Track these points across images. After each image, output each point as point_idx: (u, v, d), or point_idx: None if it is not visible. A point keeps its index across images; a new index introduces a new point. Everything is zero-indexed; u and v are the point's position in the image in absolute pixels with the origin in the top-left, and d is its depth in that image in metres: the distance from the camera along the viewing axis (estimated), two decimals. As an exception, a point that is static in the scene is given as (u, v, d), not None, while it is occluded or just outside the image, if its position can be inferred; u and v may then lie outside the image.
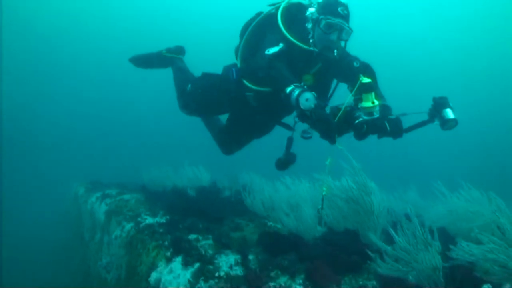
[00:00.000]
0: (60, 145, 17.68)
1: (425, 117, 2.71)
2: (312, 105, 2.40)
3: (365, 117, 2.40)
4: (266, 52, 2.87)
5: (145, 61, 4.66)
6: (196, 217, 4.38)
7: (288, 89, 2.55)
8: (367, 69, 3.04)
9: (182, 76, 4.22)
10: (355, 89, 2.45)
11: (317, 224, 3.76)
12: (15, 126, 17.96)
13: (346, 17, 2.93)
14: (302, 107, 2.40)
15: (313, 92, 2.45)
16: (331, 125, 2.40)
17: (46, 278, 8.00)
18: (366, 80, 2.43)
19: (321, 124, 2.41)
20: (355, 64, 2.98)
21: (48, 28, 26.38)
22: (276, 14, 3.13)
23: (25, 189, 12.47)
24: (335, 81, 3.43)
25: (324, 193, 2.87)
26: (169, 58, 4.47)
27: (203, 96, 3.78)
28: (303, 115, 2.48)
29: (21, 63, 23.90)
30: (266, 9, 3.44)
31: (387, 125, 2.50)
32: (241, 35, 3.53)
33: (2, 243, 9.25)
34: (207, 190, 6.26)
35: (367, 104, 2.41)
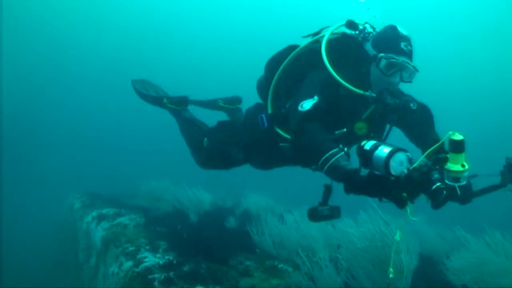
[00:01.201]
0: (59, 151, 17.12)
1: (495, 178, 2.13)
2: (405, 170, 1.76)
3: (449, 182, 1.83)
4: (300, 108, 2.21)
5: (143, 95, 3.95)
6: (200, 256, 3.95)
7: (381, 154, 1.80)
8: (424, 112, 2.43)
9: (192, 128, 3.52)
10: (436, 146, 1.89)
11: (335, 277, 3.34)
12: (15, 129, 17.40)
13: (410, 55, 2.30)
14: (393, 172, 1.75)
15: (407, 152, 1.81)
16: (416, 191, 1.76)
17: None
18: (458, 136, 1.82)
19: (413, 189, 1.75)
20: (412, 105, 2.28)
21: (51, 31, 25.69)
22: (319, 49, 2.40)
23: (22, 195, 11.95)
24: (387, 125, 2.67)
25: (391, 275, 2.34)
26: (170, 110, 3.75)
27: (225, 152, 3.02)
28: (385, 181, 1.79)
29: (22, 68, 23.18)
30: (301, 41, 2.72)
31: (457, 190, 1.90)
32: (269, 72, 2.79)
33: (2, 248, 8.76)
34: (209, 215, 5.80)
35: (455, 167, 1.83)
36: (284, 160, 2.77)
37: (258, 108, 2.94)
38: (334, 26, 2.57)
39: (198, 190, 6.38)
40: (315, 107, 2.20)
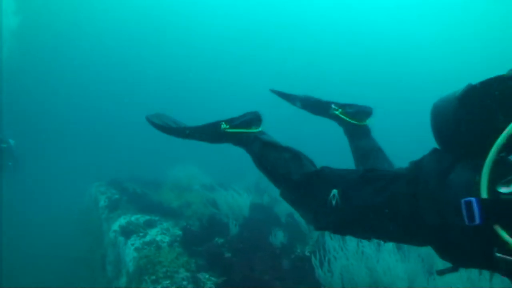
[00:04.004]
0: (80, 140, 16.27)
1: None
2: None
3: None
4: None
5: (179, 131, 2.38)
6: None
7: None
8: None
9: (286, 162, 1.99)
10: None
11: None
12: (27, 121, 16.54)
13: None
14: None
15: None
16: None
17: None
18: None
19: None
20: None
21: (64, 24, 24.12)
22: None
23: (45, 182, 11.24)
24: None
25: None
26: (235, 136, 2.27)
27: (378, 225, 1.63)
28: None
29: (36, 60, 21.77)
30: None
31: None
32: (489, 111, 1.29)
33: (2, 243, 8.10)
34: (251, 224, 4.93)
35: None
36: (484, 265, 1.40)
37: (441, 169, 1.45)
38: None
39: (236, 192, 5.49)
40: None
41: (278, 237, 4.56)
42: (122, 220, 5.20)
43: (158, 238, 4.54)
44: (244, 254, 3.99)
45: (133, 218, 5.22)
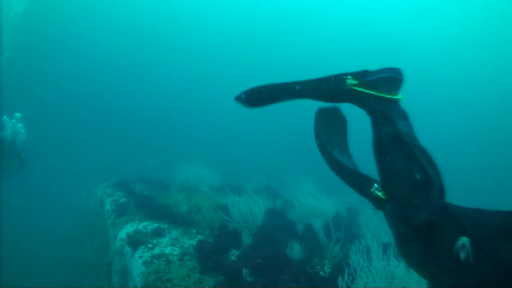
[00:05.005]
0: (87, 139, 15.87)
1: None
2: None
3: None
4: None
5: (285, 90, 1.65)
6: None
7: None
8: None
9: (412, 185, 1.35)
10: None
11: None
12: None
13: None
14: None
15: None
16: None
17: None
18: None
19: None
20: None
21: (74, 20, 23.58)
22: None
23: (49, 184, 10.92)
24: None
25: None
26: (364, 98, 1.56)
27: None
28: None
29: (41, 48, 21.24)
30: None
31: None
32: None
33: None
34: (265, 235, 4.58)
35: None
36: None
37: None
38: None
39: (250, 198, 5.15)
40: None
41: (295, 250, 4.22)
42: (129, 228, 4.88)
43: (168, 250, 4.22)
44: (263, 272, 3.66)
45: (140, 226, 4.90)
